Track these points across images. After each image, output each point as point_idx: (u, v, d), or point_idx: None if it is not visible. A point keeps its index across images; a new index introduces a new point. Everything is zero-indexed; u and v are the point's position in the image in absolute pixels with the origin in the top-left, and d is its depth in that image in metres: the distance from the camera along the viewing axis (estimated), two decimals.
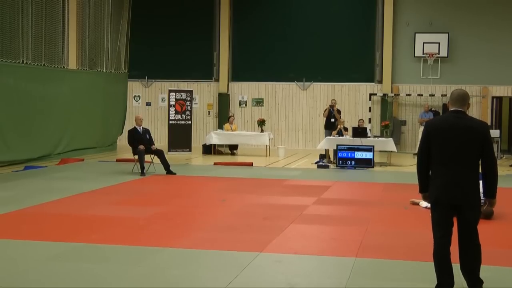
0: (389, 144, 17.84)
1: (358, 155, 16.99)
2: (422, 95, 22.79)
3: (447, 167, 5.43)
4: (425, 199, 5.68)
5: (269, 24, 24.16)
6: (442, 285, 5.43)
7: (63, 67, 19.01)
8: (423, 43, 22.47)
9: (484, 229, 8.73)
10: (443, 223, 5.43)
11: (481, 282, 5.51)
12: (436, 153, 5.50)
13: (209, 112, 24.61)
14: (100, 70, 20.92)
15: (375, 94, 23.20)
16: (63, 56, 18.98)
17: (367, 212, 9.88)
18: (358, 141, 17.42)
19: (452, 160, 5.42)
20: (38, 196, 11.01)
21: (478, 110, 22.62)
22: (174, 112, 21.06)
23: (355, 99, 23.51)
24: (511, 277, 6.40)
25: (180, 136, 20.89)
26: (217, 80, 24.47)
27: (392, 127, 22.16)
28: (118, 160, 17.71)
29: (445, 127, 5.51)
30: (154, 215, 9.41)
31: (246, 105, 24.34)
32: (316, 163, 17.77)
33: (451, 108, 5.63)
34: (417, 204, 10.45)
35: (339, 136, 18.33)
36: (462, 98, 5.58)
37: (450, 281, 5.40)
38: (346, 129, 18.90)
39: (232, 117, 22.00)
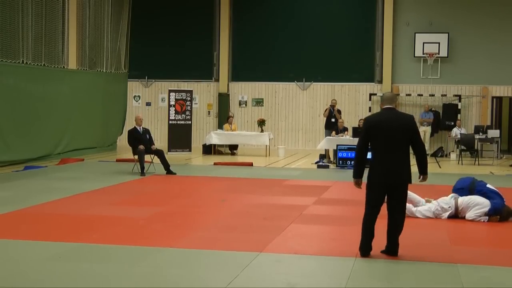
0: None
1: None
2: (422, 95, 22.78)
3: (387, 155, 6.73)
4: (357, 184, 6.96)
5: (269, 24, 24.16)
6: (364, 246, 6.84)
7: (63, 67, 19.01)
8: (423, 43, 22.47)
9: (484, 229, 8.76)
10: (378, 200, 6.84)
11: (398, 244, 6.89)
12: (376, 144, 6.78)
13: (209, 112, 24.61)
14: (100, 70, 20.92)
15: (375, 94, 23.18)
16: (63, 56, 18.98)
17: None
18: None
19: (391, 148, 6.72)
20: (38, 196, 11.01)
21: (478, 110, 22.63)
22: (174, 112, 21.06)
23: (355, 99, 23.51)
24: (511, 277, 6.39)
25: (180, 136, 20.89)
26: (217, 80, 24.47)
27: None
28: (118, 160, 17.70)
29: (383, 122, 6.80)
30: (154, 215, 9.41)
31: (246, 105, 24.33)
32: (316, 163, 17.77)
33: (385, 106, 6.95)
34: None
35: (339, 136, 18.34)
36: (392, 99, 7.02)
37: (370, 246, 6.85)
38: (346, 129, 18.91)
39: (231, 117, 22.00)
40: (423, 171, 6.89)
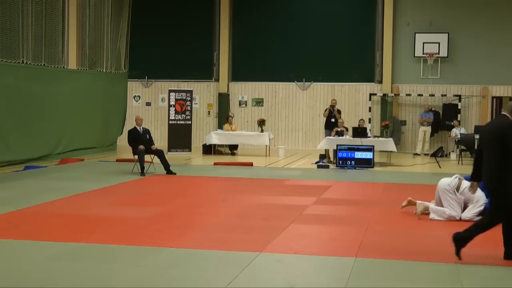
0: (389, 144, 17.84)
1: (358, 155, 16.99)
2: (422, 95, 22.78)
3: (484, 159, 6.78)
4: (471, 186, 7.20)
5: (269, 24, 24.16)
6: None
7: (63, 67, 19.01)
8: (423, 43, 22.46)
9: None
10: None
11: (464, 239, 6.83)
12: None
13: (209, 112, 24.61)
14: (100, 70, 20.92)
15: (375, 94, 23.19)
16: (63, 56, 18.98)
17: (367, 212, 9.87)
18: (358, 141, 17.42)
19: (484, 153, 6.77)
20: (38, 196, 11.01)
21: (478, 110, 22.63)
22: (174, 112, 21.06)
23: (355, 99, 23.51)
24: (511, 277, 6.39)
25: (180, 136, 20.89)
26: (217, 80, 24.47)
27: (392, 127, 22.16)
28: (118, 160, 17.71)
29: (483, 128, 7.07)
30: (154, 215, 9.41)
31: (246, 105, 24.33)
32: (316, 163, 17.76)
33: (501, 112, 6.92)
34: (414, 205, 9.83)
35: (339, 136, 18.33)
36: (509, 106, 6.83)
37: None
38: (346, 129, 18.90)
39: (231, 117, 21.99)
40: None
